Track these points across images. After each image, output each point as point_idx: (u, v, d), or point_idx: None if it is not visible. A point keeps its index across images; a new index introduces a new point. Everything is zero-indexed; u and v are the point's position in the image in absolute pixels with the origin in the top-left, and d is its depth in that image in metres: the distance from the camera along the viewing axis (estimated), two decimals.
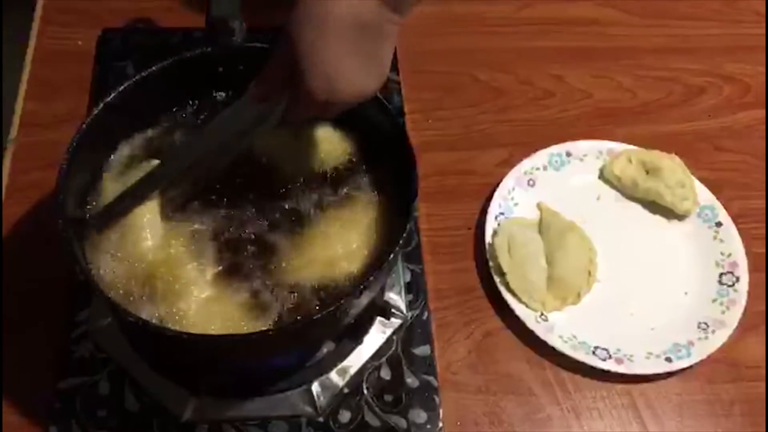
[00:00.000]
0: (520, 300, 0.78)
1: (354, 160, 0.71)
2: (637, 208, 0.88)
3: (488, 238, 0.82)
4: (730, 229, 0.84)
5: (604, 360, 0.75)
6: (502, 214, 0.84)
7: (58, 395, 0.70)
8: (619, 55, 1.01)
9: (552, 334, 0.76)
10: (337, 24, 0.55)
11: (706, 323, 0.78)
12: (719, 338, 0.77)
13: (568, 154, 0.89)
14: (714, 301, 0.80)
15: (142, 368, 0.70)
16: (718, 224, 0.85)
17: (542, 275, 0.79)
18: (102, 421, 0.69)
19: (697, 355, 0.76)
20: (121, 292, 0.61)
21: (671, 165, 0.87)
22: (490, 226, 0.83)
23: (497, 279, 0.79)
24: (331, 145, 0.71)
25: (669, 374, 0.77)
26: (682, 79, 1.00)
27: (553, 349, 0.76)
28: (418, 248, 0.82)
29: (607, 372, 0.75)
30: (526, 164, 0.87)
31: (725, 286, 0.81)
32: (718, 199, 0.87)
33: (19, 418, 0.70)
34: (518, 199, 0.86)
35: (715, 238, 0.84)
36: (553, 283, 0.79)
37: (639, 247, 0.85)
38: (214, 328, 0.60)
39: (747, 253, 0.83)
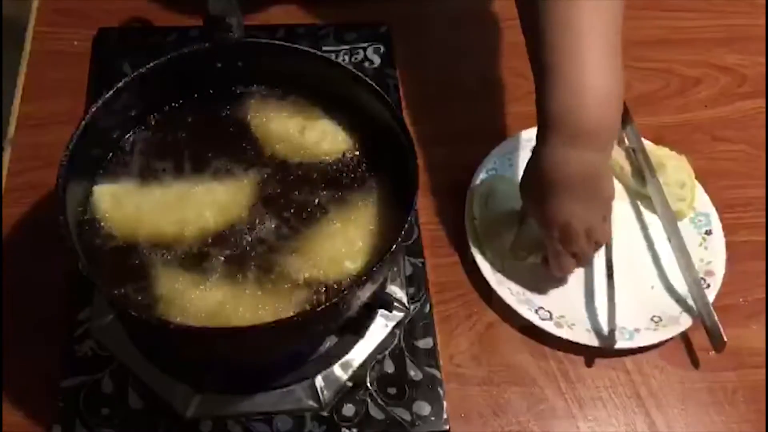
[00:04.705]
0: (483, 251, 0.79)
1: (355, 155, 0.71)
2: (633, 203, 0.87)
3: (472, 184, 0.83)
4: (718, 239, 0.83)
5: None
6: (494, 170, 0.85)
7: (62, 394, 0.70)
8: None
9: (536, 314, 0.77)
10: (567, 183, 0.67)
11: (660, 317, 0.78)
12: (668, 333, 0.77)
13: None
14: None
15: (145, 365, 0.70)
16: (708, 232, 0.84)
17: (512, 228, 0.80)
18: (106, 420, 0.69)
19: (643, 341, 0.76)
20: (122, 290, 0.61)
21: (677, 165, 0.86)
22: (480, 175, 0.84)
23: (467, 224, 0.81)
24: (333, 141, 0.71)
25: (671, 363, 0.77)
26: (678, 71, 1.00)
27: (556, 339, 0.76)
28: (418, 241, 0.82)
29: (609, 357, 0.76)
30: (530, 132, 0.86)
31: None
32: (714, 190, 0.86)
33: (23, 418, 0.70)
34: (515, 161, 0.86)
35: (701, 244, 0.83)
36: (521, 237, 0.80)
37: (624, 238, 0.83)
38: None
39: (746, 242, 0.84)
